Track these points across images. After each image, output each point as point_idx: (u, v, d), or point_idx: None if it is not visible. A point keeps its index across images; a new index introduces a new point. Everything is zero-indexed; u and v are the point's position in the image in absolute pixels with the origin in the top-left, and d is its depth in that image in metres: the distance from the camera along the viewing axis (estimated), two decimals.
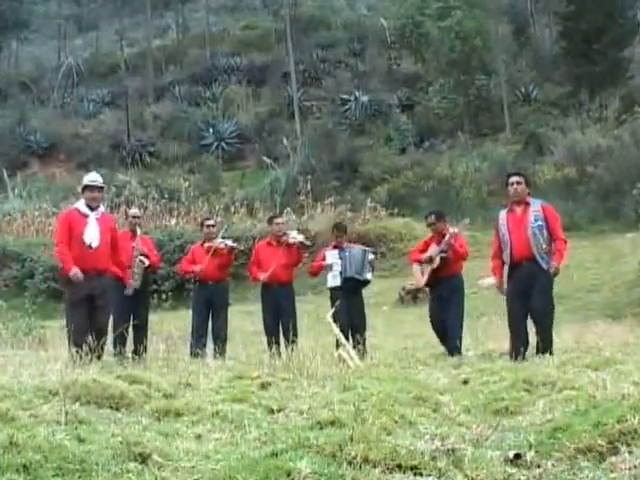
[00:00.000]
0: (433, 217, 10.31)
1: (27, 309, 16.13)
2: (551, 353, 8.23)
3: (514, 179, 8.94)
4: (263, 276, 10.67)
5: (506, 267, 8.92)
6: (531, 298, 8.54)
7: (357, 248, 10.81)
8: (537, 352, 8.30)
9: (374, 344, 10.72)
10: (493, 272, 9.12)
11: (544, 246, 8.54)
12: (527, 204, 8.81)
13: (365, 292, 10.77)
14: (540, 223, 8.60)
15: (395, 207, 28.38)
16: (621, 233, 24.57)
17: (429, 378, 6.78)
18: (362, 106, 40.93)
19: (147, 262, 10.40)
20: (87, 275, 8.66)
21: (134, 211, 11.65)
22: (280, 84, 44.99)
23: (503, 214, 8.94)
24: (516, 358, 8.10)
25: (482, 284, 9.18)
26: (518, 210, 8.79)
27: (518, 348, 8.32)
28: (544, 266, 8.53)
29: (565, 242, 8.87)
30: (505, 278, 8.96)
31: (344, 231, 11.10)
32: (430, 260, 9.93)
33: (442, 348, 9.86)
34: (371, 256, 10.79)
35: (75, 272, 8.55)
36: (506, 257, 8.77)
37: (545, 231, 8.60)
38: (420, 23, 40.43)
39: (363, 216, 27.45)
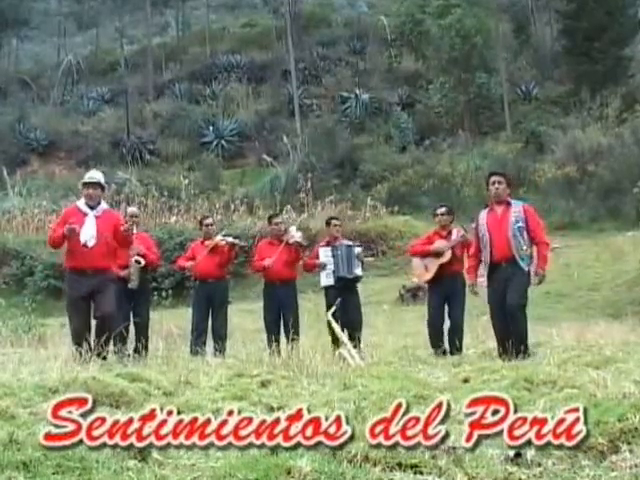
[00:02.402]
0: (445, 209, 10.32)
1: (27, 307, 16.13)
2: (525, 352, 8.15)
3: (494, 178, 8.86)
4: (268, 261, 10.66)
5: (484, 266, 8.87)
6: (507, 295, 8.46)
7: (344, 245, 10.81)
8: (511, 349, 8.17)
9: (374, 342, 10.72)
10: (467, 272, 9.08)
11: (524, 248, 8.45)
12: (508, 204, 8.75)
13: (365, 290, 10.79)
14: (521, 224, 8.52)
15: (395, 205, 28.37)
16: (622, 232, 24.58)
17: (429, 376, 6.78)
18: (362, 104, 40.93)
19: (143, 262, 10.34)
20: (85, 274, 8.64)
21: (132, 210, 11.58)
22: (280, 82, 44.98)
23: (483, 214, 8.88)
24: (506, 355, 8.05)
25: (482, 283, 9.15)
26: (498, 210, 8.72)
27: (504, 346, 8.29)
28: (524, 267, 8.47)
29: (547, 245, 8.83)
30: (483, 278, 8.92)
31: (341, 223, 11.21)
32: (439, 254, 9.89)
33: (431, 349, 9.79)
34: (357, 249, 10.79)
35: (69, 227, 8.54)
36: (485, 257, 8.71)
37: (525, 233, 8.52)
38: (420, 21, 40.45)
39: (363, 214, 27.42)
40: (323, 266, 10.51)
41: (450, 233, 10.04)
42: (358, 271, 10.63)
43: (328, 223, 11.12)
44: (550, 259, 8.76)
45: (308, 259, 11.07)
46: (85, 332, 8.40)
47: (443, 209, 10.34)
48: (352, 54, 47.35)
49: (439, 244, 9.97)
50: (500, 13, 41.57)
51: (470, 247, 9.82)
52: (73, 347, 8.00)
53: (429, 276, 10.09)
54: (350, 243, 11.07)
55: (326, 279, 10.53)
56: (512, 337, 8.28)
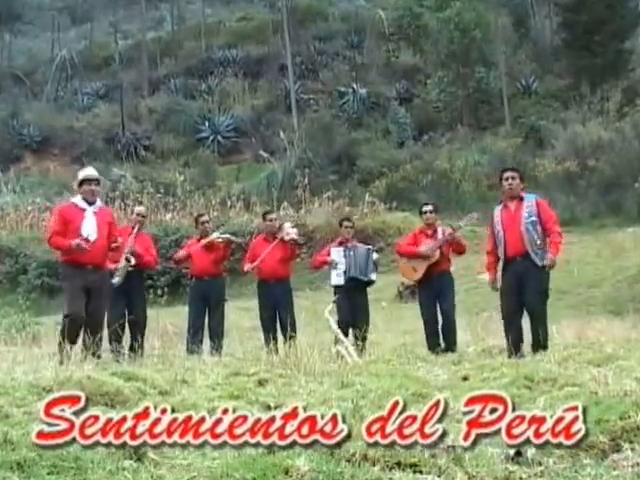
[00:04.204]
0: (431, 206, 10.38)
1: (21, 305, 16.13)
2: (545, 348, 8.24)
3: (508, 174, 8.92)
4: (248, 266, 10.72)
5: (501, 263, 8.93)
6: (525, 295, 8.54)
7: (362, 248, 10.81)
8: (533, 349, 8.28)
9: (373, 340, 10.71)
10: (487, 268, 9.13)
11: (538, 242, 8.52)
12: (521, 199, 8.79)
13: None
14: (534, 219, 8.58)
15: (394, 201, 28.41)
16: (623, 227, 24.58)
17: (428, 374, 6.78)
18: (360, 99, 40.91)
19: (133, 262, 10.26)
20: (84, 269, 8.66)
21: (140, 209, 11.46)
22: (277, 77, 44.96)
23: (498, 210, 8.94)
24: (514, 354, 8.09)
25: (482, 279, 9.21)
26: (512, 206, 8.77)
27: (514, 345, 8.33)
28: (538, 262, 8.51)
29: (560, 234, 8.86)
30: (499, 274, 8.98)
31: (353, 225, 11.21)
32: (428, 254, 9.93)
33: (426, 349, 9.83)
34: (375, 256, 10.80)
35: (77, 242, 8.53)
36: (500, 253, 8.79)
37: (539, 227, 8.59)
38: (419, 14, 40.41)
39: (361, 210, 27.43)
40: (334, 264, 10.50)
41: (435, 231, 10.09)
42: (373, 276, 10.65)
43: (340, 224, 11.15)
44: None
45: (319, 256, 11.07)
46: (82, 318, 8.43)
47: (429, 207, 10.39)
48: (349, 48, 47.29)
49: (426, 245, 10.01)
50: (499, 6, 41.52)
51: (458, 245, 9.99)
52: (65, 344, 7.96)
53: (418, 276, 10.17)
54: (369, 247, 11.05)
55: (337, 278, 10.53)
56: (534, 336, 8.41)
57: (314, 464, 3.42)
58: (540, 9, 46.92)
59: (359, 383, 5.86)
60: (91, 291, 8.68)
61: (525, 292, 8.55)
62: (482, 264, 9.49)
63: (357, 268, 10.45)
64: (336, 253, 10.58)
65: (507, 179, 8.86)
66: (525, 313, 8.69)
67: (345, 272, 10.44)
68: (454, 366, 7.44)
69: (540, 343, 8.27)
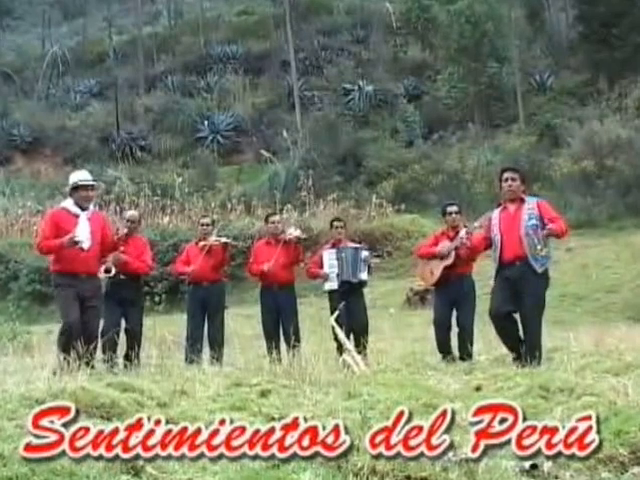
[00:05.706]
0: (456, 207, 10.30)
1: (11, 313, 16.15)
2: (539, 359, 8.17)
3: (507, 175, 8.77)
4: (267, 265, 10.64)
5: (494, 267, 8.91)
6: (521, 302, 8.43)
7: (350, 247, 10.80)
8: (525, 355, 8.18)
9: (381, 348, 10.70)
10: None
11: (539, 247, 8.31)
12: (522, 201, 8.67)
13: (371, 294, 10.79)
14: (535, 222, 8.43)
15: (402, 203, 28.41)
16: None
17: (439, 384, 6.78)
18: (366, 96, 40.87)
19: (112, 272, 10.01)
20: (78, 279, 8.63)
21: (132, 214, 11.30)
22: (279, 73, 44.94)
23: (496, 213, 8.83)
24: (518, 360, 8.06)
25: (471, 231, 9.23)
26: (511, 208, 8.66)
27: (513, 349, 8.30)
28: (537, 269, 8.43)
29: (565, 224, 8.78)
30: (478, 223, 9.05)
31: (344, 224, 11.22)
32: (444, 256, 9.89)
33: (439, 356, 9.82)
34: (365, 253, 10.75)
35: (70, 236, 8.47)
36: (495, 257, 8.70)
37: (540, 231, 8.40)
38: (428, 7, 40.45)
39: (368, 213, 27.43)
40: (326, 277, 10.53)
41: (457, 233, 10.01)
42: (363, 276, 10.60)
43: (331, 225, 11.13)
44: (566, 259, 8.76)
45: (312, 265, 11.04)
46: (79, 328, 8.41)
47: (454, 207, 10.27)
48: (355, 43, 47.30)
49: (443, 246, 9.97)
50: None
51: (475, 251, 9.80)
52: (61, 356, 7.97)
53: (434, 279, 10.09)
54: (357, 246, 11.06)
55: (330, 283, 10.54)
56: (525, 342, 8.30)
57: (320, 478, 3.43)
58: (555, 1, 46.88)
59: (367, 393, 5.86)
60: (85, 301, 8.65)
61: (521, 299, 8.44)
62: (493, 268, 9.46)
63: (350, 270, 10.46)
64: (328, 257, 10.59)
65: (507, 180, 8.72)
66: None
67: (338, 275, 10.45)
68: (466, 375, 7.44)
69: (531, 353, 8.13)
